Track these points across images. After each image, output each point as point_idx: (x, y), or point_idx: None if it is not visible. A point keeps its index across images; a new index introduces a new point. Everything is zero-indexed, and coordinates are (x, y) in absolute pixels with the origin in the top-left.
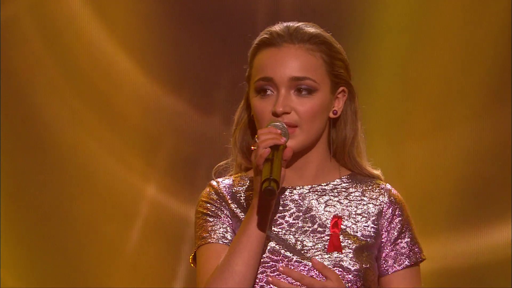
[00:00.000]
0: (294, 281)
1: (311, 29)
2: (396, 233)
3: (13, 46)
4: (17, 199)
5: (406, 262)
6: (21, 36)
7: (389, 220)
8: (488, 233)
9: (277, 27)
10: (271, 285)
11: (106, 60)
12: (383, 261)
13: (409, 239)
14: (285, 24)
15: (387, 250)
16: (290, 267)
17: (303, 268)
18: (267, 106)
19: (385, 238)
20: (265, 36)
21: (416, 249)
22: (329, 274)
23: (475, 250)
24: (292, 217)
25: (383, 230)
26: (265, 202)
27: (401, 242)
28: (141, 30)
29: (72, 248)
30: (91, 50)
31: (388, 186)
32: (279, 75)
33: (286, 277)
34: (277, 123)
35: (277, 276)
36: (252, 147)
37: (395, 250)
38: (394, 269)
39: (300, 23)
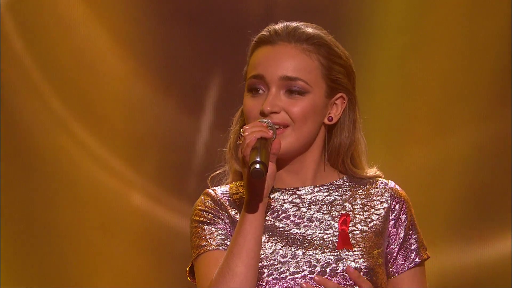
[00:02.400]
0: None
1: (310, 29)
2: (404, 230)
3: None
4: None
5: (417, 259)
6: (0, 35)
7: (396, 216)
8: (489, 244)
9: (277, 25)
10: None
11: (89, 61)
12: (393, 260)
13: (416, 236)
14: (286, 23)
15: (396, 249)
16: (300, 267)
17: (315, 263)
18: (257, 105)
19: (393, 236)
20: (263, 33)
21: (422, 246)
22: (364, 284)
23: (474, 262)
24: (297, 217)
25: (391, 227)
26: (257, 198)
27: (410, 239)
28: (127, 29)
29: (55, 257)
30: (74, 51)
31: (392, 182)
32: (270, 73)
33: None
34: (264, 120)
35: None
36: (238, 142)
37: (404, 248)
38: (405, 268)
39: (301, 23)
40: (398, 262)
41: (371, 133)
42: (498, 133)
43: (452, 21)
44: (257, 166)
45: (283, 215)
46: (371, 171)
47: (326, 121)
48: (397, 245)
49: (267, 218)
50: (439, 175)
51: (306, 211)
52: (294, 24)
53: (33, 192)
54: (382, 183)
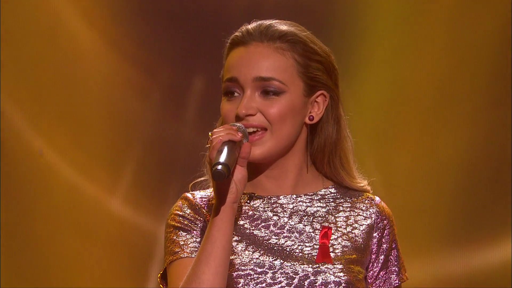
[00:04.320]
0: None
1: (283, 27)
2: (386, 250)
3: None
4: None
5: (396, 281)
6: None
7: (380, 234)
8: (484, 250)
9: (250, 25)
10: None
11: (69, 61)
12: (373, 279)
13: (398, 256)
14: (259, 21)
15: (377, 269)
16: (277, 278)
17: (293, 275)
18: (233, 109)
19: (375, 254)
20: (236, 34)
21: (403, 267)
22: None
23: (467, 269)
24: (277, 227)
25: (374, 245)
26: (225, 204)
27: (392, 259)
28: (106, 29)
29: (33, 266)
30: (51, 53)
31: (377, 198)
32: (243, 75)
33: None
34: (236, 123)
35: None
36: (207, 146)
37: (386, 268)
38: None
39: (275, 21)
40: (377, 282)
41: (360, 136)
42: (492, 137)
43: (445, 23)
44: (219, 167)
45: (263, 224)
46: (361, 183)
47: (307, 120)
48: (378, 265)
49: (246, 226)
50: (430, 181)
51: (287, 221)
52: (268, 22)
53: (8, 198)
54: (368, 197)
